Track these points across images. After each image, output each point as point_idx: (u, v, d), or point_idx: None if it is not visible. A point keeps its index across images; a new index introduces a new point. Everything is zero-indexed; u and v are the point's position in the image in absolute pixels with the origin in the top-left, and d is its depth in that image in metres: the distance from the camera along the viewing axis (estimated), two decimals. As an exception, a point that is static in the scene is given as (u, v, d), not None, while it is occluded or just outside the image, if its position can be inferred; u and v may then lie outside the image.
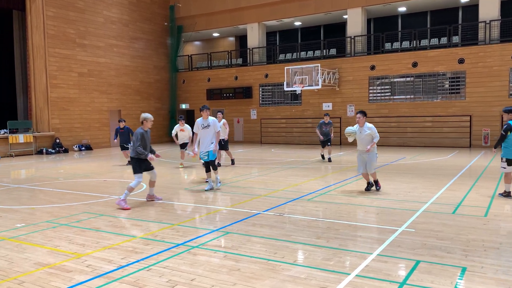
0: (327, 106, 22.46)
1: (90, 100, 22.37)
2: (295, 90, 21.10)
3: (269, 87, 24.43)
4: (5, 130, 19.17)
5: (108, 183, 10.82)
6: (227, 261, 4.75)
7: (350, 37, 22.32)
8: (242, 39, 28.44)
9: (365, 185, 9.04)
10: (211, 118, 9.24)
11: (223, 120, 13.19)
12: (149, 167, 7.98)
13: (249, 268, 4.51)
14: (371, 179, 8.93)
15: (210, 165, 9.33)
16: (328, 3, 22.77)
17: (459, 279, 4.12)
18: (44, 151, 19.69)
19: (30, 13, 20.18)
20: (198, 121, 9.29)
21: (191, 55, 27.99)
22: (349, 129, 8.62)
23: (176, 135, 13.59)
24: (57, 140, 20.24)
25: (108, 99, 23.34)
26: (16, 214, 7.38)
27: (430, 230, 5.85)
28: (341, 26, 24.68)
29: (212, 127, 9.19)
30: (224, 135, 12.90)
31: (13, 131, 19.25)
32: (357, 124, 8.69)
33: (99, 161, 16.68)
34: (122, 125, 14.59)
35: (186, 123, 13.98)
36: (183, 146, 13.64)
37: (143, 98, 25.38)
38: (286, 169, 12.87)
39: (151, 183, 8.17)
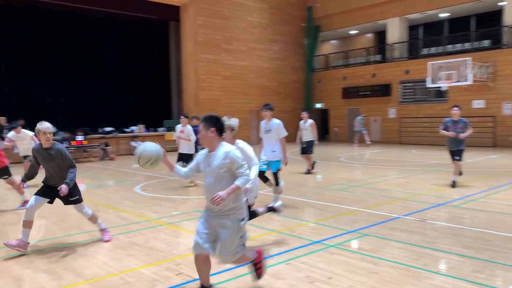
0: (478, 104, 20.33)
1: (232, 101, 23.97)
2: (440, 87, 19.56)
3: (410, 84, 23.07)
4: (163, 128, 21.72)
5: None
6: (365, 263, 4.69)
7: (508, 26, 19.81)
8: (380, 35, 27.40)
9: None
10: (275, 121, 7.50)
11: (310, 121, 12.16)
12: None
13: (388, 273, 4.39)
14: None
15: (273, 177, 7.55)
16: (481, -11, 20.57)
17: None
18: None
19: (183, 23, 22.51)
20: (261, 123, 7.72)
21: (327, 54, 27.98)
22: None
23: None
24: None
25: (249, 100, 24.70)
26: (172, 203, 8.34)
27: None
28: (496, 15, 22.04)
29: (274, 132, 7.45)
30: (310, 137, 12.15)
31: (169, 129, 21.73)
32: None
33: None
34: (195, 122, 13.98)
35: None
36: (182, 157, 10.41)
37: (280, 98, 26.24)
38: (429, 172, 12.04)
39: None
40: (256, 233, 5.98)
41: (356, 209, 7.47)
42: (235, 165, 3.62)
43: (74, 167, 5.54)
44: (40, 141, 5.47)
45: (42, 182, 5.59)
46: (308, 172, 12.19)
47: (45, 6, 19.06)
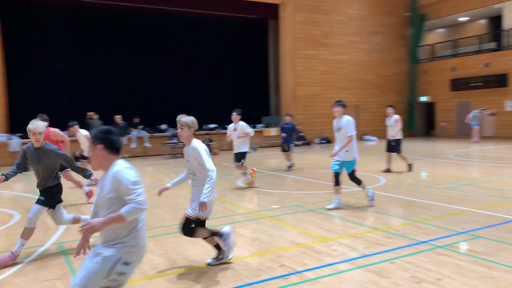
0: None
1: (330, 96, 23.65)
2: None
3: (531, 74, 20.70)
4: (261, 124, 22.28)
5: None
6: (478, 266, 4.39)
7: None
8: (495, 20, 24.91)
9: None
10: (345, 118, 7.09)
11: (396, 117, 11.26)
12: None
13: (506, 278, 4.06)
14: None
15: (350, 178, 7.29)
16: None
17: None
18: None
19: (282, 21, 22.81)
20: (334, 121, 7.34)
21: (433, 44, 26.26)
22: None
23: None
24: (300, 134, 22.25)
25: (347, 95, 24.21)
26: (272, 197, 8.57)
27: None
28: None
29: (345, 130, 7.03)
30: (394, 134, 11.21)
31: (267, 125, 22.21)
32: None
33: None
34: (288, 120, 13.04)
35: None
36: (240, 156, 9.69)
37: (381, 92, 25.28)
38: (554, 171, 10.75)
39: None
40: (356, 230, 5.91)
41: (468, 209, 6.97)
42: (122, 187, 2.81)
43: (73, 160, 5.37)
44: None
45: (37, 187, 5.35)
46: (388, 170, 11.24)
47: (153, 11, 20.64)
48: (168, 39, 21.46)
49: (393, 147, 11.29)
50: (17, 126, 17.16)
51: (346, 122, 7.05)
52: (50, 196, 5.21)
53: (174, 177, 11.60)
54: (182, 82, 21.56)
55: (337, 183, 7.18)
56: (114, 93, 19.71)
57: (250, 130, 9.57)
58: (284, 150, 12.65)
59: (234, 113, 9.69)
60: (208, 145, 19.24)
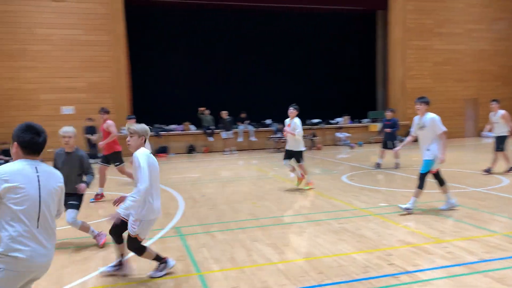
0: None
1: (444, 89, 22.11)
2: None
3: None
4: (367, 119, 21.64)
5: (464, 174, 10.49)
6: None
7: None
8: None
9: None
10: (429, 115, 6.67)
11: (501, 112, 10.17)
12: None
13: None
14: None
15: (436, 179, 6.85)
16: None
17: None
18: (399, 139, 20.96)
19: (391, 11, 21.82)
20: (414, 119, 7.00)
21: None
22: None
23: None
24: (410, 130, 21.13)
25: (463, 87, 22.39)
26: (379, 194, 8.33)
27: None
28: None
29: (429, 128, 6.61)
30: (502, 131, 10.15)
31: (373, 120, 21.48)
32: None
33: (454, 151, 16.34)
34: (389, 115, 12.71)
35: None
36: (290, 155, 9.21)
37: (503, 84, 22.87)
38: None
39: None
40: (472, 233, 5.51)
41: None
42: None
43: (92, 173, 5.53)
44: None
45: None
46: (488, 171, 10.19)
47: (260, 8, 21.14)
48: (273, 35, 21.84)
49: (496, 144, 10.39)
50: (139, 121, 18.91)
51: (430, 120, 6.64)
52: (79, 198, 5.47)
53: (277, 171, 11.95)
54: (287, 78, 21.82)
55: (420, 184, 6.74)
56: (224, 89, 20.67)
57: (298, 131, 8.82)
58: (387, 147, 12.20)
59: (290, 108, 9.00)
60: (311, 140, 19.26)
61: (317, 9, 21.79)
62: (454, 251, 4.85)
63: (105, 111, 9.28)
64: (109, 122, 9.00)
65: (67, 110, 17.13)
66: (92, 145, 15.20)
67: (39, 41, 16.92)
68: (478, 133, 21.67)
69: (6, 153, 16.14)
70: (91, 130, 15.28)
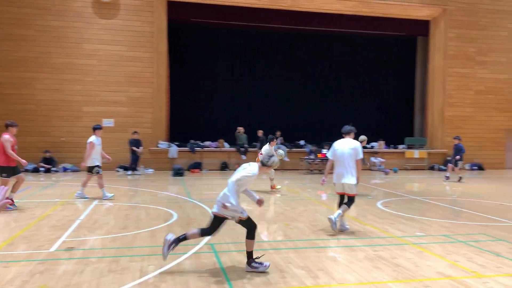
0: None
1: (485, 118, 21.50)
2: None
3: None
4: (403, 145, 21.24)
5: (505, 207, 10.10)
6: None
7: None
8: None
9: None
10: None
11: None
12: None
13: None
14: None
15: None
16: None
17: None
18: (436, 167, 20.45)
19: (433, 37, 21.59)
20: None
21: None
22: None
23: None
24: (448, 158, 20.56)
25: (505, 117, 21.69)
26: (415, 223, 8.12)
27: None
28: None
29: None
30: None
31: (410, 146, 21.08)
32: None
33: (494, 183, 15.76)
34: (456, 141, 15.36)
35: None
36: None
37: (550, 116, 22.03)
38: None
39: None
40: (519, 270, 5.27)
41: None
42: None
43: None
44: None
45: None
46: None
47: (300, 31, 21.41)
48: (312, 57, 22.03)
49: None
50: (176, 136, 19.38)
51: None
52: None
53: (311, 192, 11.84)
54: (324, 100, 21.86)
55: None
56: (260, 108, 20.94)
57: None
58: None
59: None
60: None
61: (358, 33, 21.85)
62: (496, 286, 4.66)
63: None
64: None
65: (108, 122, 17.70)
66: (136, 157, 16.60)
67: (86, 56, 17.71)
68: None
69: (47, 161, 16.81)
70: (136, 142, 16.70)
